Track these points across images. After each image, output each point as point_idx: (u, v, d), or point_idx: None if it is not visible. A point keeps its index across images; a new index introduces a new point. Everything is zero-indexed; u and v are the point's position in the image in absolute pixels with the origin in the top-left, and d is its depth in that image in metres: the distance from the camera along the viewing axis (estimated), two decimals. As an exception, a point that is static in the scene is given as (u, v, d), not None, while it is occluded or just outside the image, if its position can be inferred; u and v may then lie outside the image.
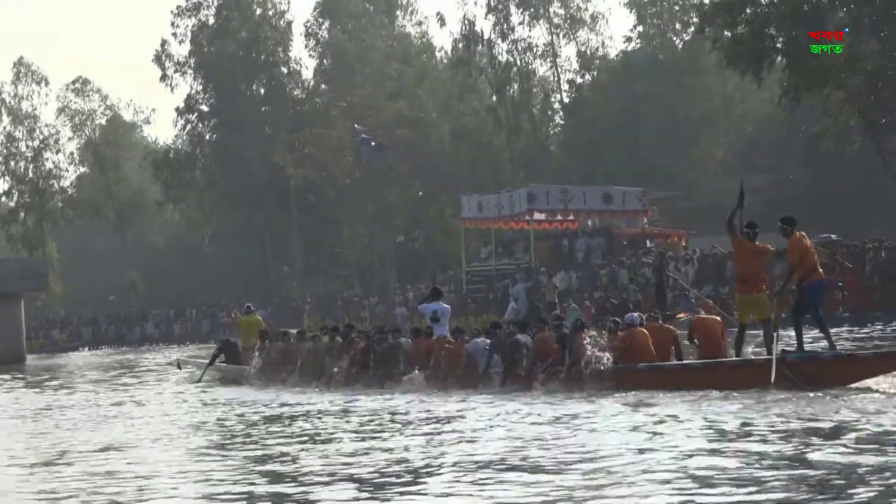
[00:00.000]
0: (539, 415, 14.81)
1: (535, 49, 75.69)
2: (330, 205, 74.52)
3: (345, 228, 77.07)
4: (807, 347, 17.17)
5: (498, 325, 20.84)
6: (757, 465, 9.62)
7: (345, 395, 20.36)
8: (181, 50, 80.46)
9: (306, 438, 14.04)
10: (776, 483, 8.83)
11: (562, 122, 79.72)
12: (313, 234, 77.77)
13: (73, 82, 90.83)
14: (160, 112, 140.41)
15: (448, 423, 14.63)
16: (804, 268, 16.37)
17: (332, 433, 14.42)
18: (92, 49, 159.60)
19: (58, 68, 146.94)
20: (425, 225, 76.04)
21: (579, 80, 78.93)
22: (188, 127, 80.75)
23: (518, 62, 75.27)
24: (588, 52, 78.10)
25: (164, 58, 79.97)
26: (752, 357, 17.49)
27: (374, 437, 13.63)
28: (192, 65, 79.94)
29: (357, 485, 10.04)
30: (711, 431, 11.95)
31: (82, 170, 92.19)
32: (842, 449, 10.15)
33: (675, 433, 11.95)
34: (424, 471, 10.60)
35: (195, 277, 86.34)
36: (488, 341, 19.88)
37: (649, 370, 17.54)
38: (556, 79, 77.33)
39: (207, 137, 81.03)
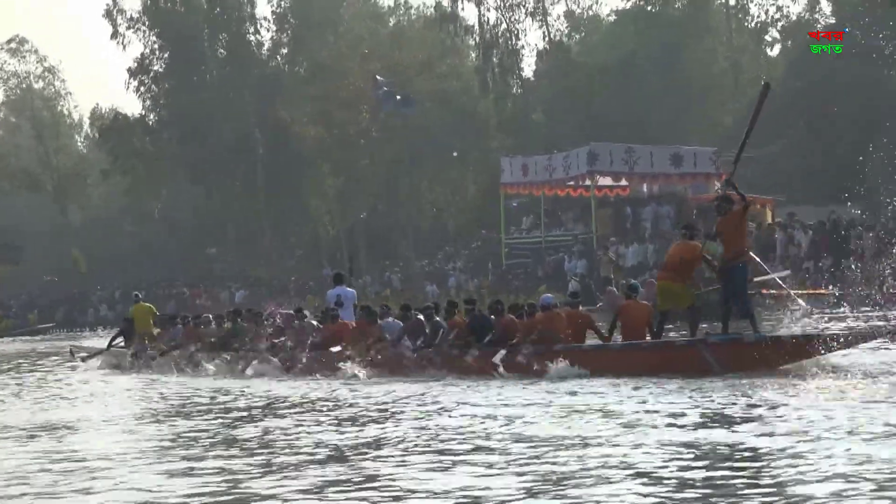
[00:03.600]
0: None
1: (525, 5, 69.88)
2: (299, 175, 68.27)
3: (314, 202, 70.85)
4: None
5: (409, 308, 20.91)
6: (660, 452, 9.51)
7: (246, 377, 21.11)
8: (134, 4, 73.33)
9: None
10: (676, 471, 8.64)
11: (547, 85, 73.77)
12: (281, 207, 71.11)
13: (9, 41, 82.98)
14: (82, 81, 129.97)
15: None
16: (730, 249, 16.48)
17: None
18: (30, 5, 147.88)
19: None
20: (399, 198, 69.85)
21: (567, 41, 73.48)
22: (141, 89, 73.22)
23: (506, 21, 69.61)
24: (579, 7, 72.91)
25: (115, 13, 72.50)
26: (673, 339, 17.85)
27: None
28: (146, 22, 72.58)
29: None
30: (614, 415, 11.91)
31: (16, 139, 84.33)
32: (745, 435, 10.01)
33: (587, 416, 12.04)
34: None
35: (143, 255, 79.19)
36: (400, 322, 20.27)
37: (566, 351, 17.28)
38: (546, 38, 71.47)
39: (163, 101, 73.77)
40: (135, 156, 72.96)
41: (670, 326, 20.25)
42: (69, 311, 69.98)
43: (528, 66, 73.80)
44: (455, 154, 60.11)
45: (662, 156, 42.26)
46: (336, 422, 13.22)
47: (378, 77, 54.52)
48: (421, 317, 20.11)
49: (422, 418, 13.08)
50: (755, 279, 20.89)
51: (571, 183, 43.95)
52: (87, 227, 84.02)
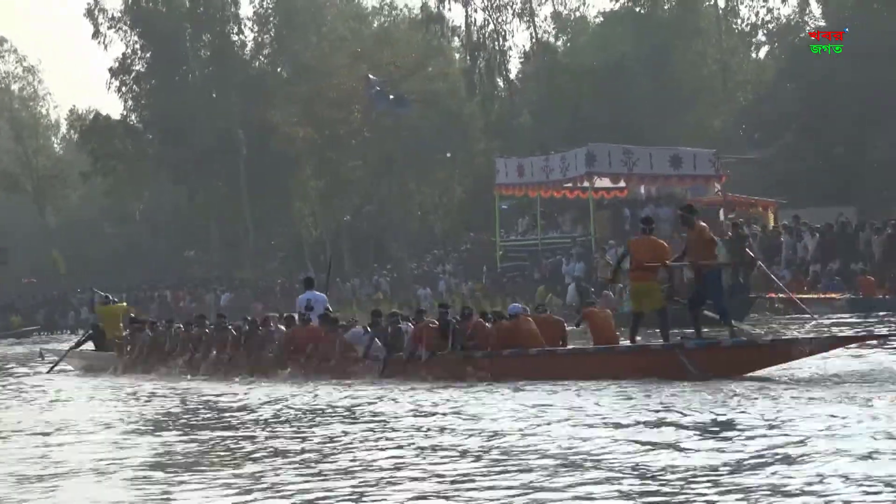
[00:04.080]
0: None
1: (513, 5, 69.14)
2: (283, 176, 67.28)
3: (297, 204, 69.85)
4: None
5: (379, 314, 20.86)
6: (639, 455, 9.50)
7: (214, 383, 20.73)
8: (115, 4, 72.19)
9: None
10: (657, 475, 8.62)
11: (534, 87, 72.93)
12: (265, 208, 70.10)
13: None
14: (62, 82, 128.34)
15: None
16: (704, 257, 16.60)
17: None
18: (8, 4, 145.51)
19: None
20: (382, 200, 68.79)
21: (554, 42, 72.87)
22: (122, 89, 72.12)
23: (493, 21, 68.89)
24: (566, 8, 72.27)
25: (96, 12, 71.33)
26: (649, 343, 17.50)
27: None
28: (128, 21, 71.42)
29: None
30: (594, 419, 11.98)
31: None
32: (723, 440, 10.03)
33: (561, 420, 12.04)
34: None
35: (124, 257, 78.08)
36: (368, 329, 20.13)
37: (539, 356, 17.33)
38: (533, 40, 70.77)
39: (144, 101, 72.62)
40: (115, 157, 71.82)
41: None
42: (50, 314, 68.76)
43: (516, 68, 73.19)
44: (448, 155, 59.17)
45: (662, 157, 41.65)
46: (305, 429, 13.10)
47: (371, 76, 53.65)
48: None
49: (382, 424, 13.03)
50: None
51: (569, 184, 43.22)
52: (67, 229, 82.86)
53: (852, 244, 34.55)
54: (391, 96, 53.15)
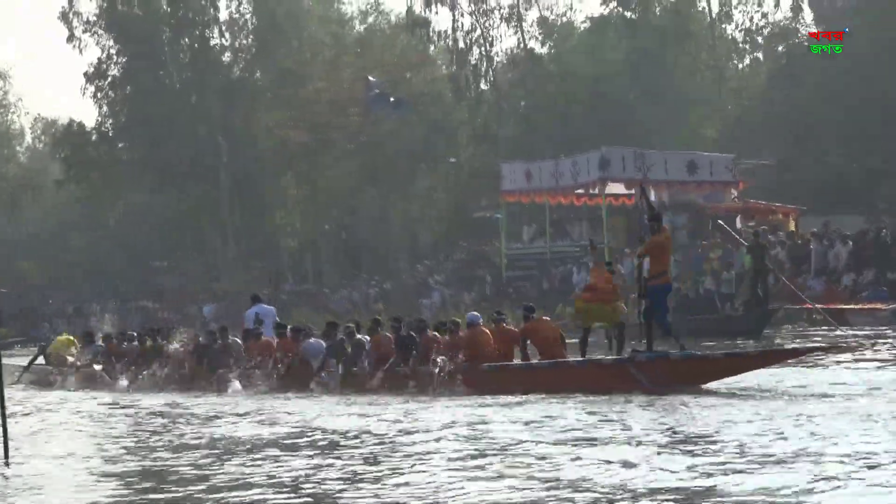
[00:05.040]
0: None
1: (500, 10, 67.72)
2: (264, 186, 65.65)
3: (279, 213, 68.19)
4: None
5: (335, 326, 20.87)
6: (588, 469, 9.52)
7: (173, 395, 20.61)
8: (90, 7, 70.10)
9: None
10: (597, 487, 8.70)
11: (522, 93, 71.46)
12: (246, 216, 68.36)
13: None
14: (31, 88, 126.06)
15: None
16: (655, 268, 16.84)
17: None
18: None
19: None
20: (365, 210, 67.08)
21: (540, 49, 71.55)
22: (98, 95, 70.16)
23: (480, 27, 67.48)
24: (553, 13, 70.81)
25: (71, 15, 69.26)
26: (601, 357, 17.95)
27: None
28: (104, 25, 69.35)
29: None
30: (543, 433, 12.03)
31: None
32: (676, 453, 10.10)
33: (514, 434, 12.03)
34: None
35: (99, 268, 76.12)
36: (323, 343, 20.04)
37: (492, 370, 17.47)
38: (521, 45, 69.31)
39: (118, 108, 70.70)
40: (89, 164, 69.77)
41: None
42: (24, 326, 66.63)
43: (502, 74, 71.67)
44: (453, 160, 57.60)
45: (677, 162, 40.39)
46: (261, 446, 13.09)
47: (371, 78, 52.04)
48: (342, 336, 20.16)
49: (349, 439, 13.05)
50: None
51: (580, 190, 41.61)
52: (46, 235, 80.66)
53: (888, 252, 33.15)
54: (391, 98, 51.55)
